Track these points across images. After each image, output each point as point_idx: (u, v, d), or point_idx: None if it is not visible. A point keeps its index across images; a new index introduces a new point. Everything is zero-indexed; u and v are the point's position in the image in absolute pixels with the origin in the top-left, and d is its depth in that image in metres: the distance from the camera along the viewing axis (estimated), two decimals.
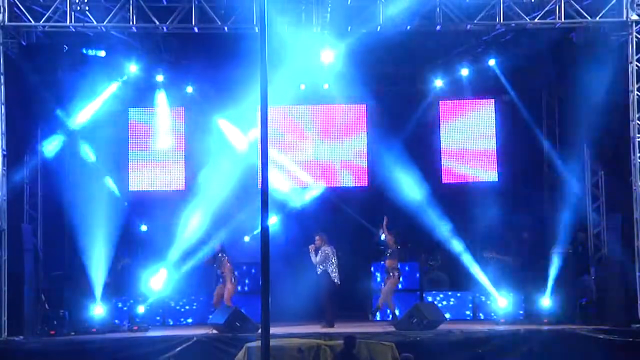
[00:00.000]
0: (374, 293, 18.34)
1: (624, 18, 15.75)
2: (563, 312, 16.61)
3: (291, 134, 19.89)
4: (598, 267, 17.34)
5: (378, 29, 16.14)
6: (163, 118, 19.66)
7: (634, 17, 15.74)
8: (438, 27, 16.05)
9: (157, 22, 15.80)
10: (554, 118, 18.76)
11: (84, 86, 17.83)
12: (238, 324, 15.46)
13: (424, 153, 19.57)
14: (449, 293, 18.48)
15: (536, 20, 15.93)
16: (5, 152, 15.66)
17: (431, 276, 19.05)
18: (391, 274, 17.30)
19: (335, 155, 19.87)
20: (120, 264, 18.08)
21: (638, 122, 15.79)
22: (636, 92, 15.79)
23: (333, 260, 16.73)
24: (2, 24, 15.52)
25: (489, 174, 19.66)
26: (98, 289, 16.97)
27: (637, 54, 15.84)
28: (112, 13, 15.68)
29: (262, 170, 9.79)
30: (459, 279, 18.89)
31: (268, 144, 9.85)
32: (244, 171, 18.94)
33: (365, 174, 19.83)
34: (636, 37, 15.82)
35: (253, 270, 18.55)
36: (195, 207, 18.89)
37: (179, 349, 15.02)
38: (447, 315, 17.31)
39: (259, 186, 10.14)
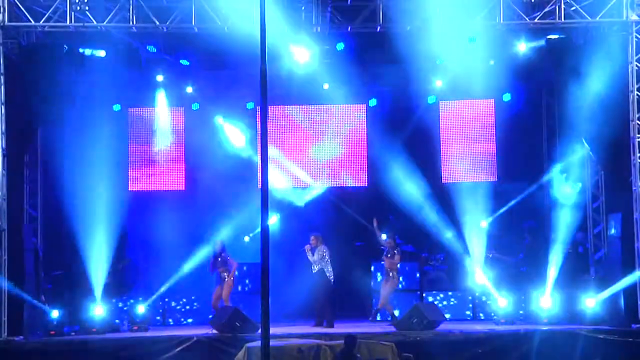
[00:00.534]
0: (374, 293, 18.34)
1: (624, 18, 15.76)
2: (563, 312, 16.61)
3: (291, 134, 19.88)
4: (598, 267, 17.35)
5: (378, 29, 16.14)
6: (163, 118, 19.66)
7: (634, 17, 15.76)
8: (438, 27, 16.04)
9: (157, 22, 15.80)
10: (554, 118, 18.76)
11: (84, 86, 17.83)
12: (238, 324, 15.46)
13: (424, 153, 19.57)
14: (449, 293, 18.47)
15: (536, 20, 15.94)
16: (5, 152, 15.66)
17: (431, 276, 19.04)
18: (390, 274, 17.31)
19: (335, 155, 19.86)
20: (121, 264, 18.08)
21: (638, 122, 15.81)
22: (636, 92, 15.80)
23: (328, 260, 16.75)
24: (2, 24, 15.54)
25: (489, 173, 19.65)
26: (98, 289, 16.97)
27: (637, 54, 15.86)
28: (112, 13, 15.70)
29: (262, 170, 9.79)
30: (459, 279, 18.90)
31: (268, 143, 9.84)
32: (244, 171, 18.94)
33: (365, 174, 19.82)
34: (636, 37, 15.83)
35: (253, 271, 18.53)
36: (195, 207, 18.90)
37: (179, 349, 15.03)
38: (447, 316, 17.30)
39: (259, 186, 10.15)
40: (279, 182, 19.28)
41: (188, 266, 18.20)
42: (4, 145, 15.63)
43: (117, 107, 19.29)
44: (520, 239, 18.64)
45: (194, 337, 15.22)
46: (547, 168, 18.87)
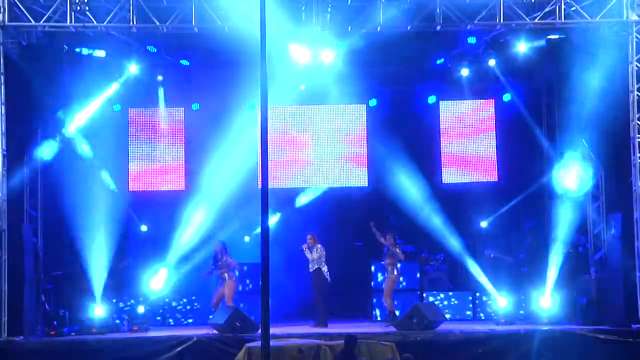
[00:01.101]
0: (374, 293, 18.33)
1: (624, 18, 15.76)
2: (563, 312, 16.61)
3: (291, 134, 19.88)
4: (598, 267, 17.35)
5: (378, 29, 16.14)
6: (163, 117, 19.65)
7: (634, 17, 15.76)
8: (438, 27, 16.05)
9: (157, 22, 15.80)
10: (554, 118, 18.77)
11: (84, 86, 17.84)
12: (238, 324, 15.47)
13: (424, 153, 19.57)
14: (450, 293, 18.47)
15: (536, 20, 15.94)
16: (5, 152, 15.66)
17: (431, 276, 19.05)
18: (389, 268, 17.28)
19: (335, 155, 19.86)
20: (121, 264, 18.08)
21: (638, 122, 15.80)
22: (636, 92, 15.80)
23: (324, 259, 16.77)
24: (2, 24, 15.54)
25: (489, 174, 19.65)
26: (98, 289, 16.97)
27: (637, 54, 15.86)
28: (112, 13, 15.69)
29: (262, 170, 9.79)
30: (459, 279, 18.90)
31: (268, 143, 9.84)
32: (244, 171, 18.94)
33: (365, 174, 19.82)
34: (636, 37, 15.83)
35: (253, 271, 18.53)
36: (195, 207, 18.90)
37: (179, 349, 15.04)
38: (447, 316, 17.30)
39: (259, 186, 10.15)
40: (279, 182, 19.27)
41: (188, 266, 18.21)
42: (4, 146, 15.62)
43: (117, 107, 19.30)
44: (520, 239, 18.64)
45: (194, 337, 15.22)
46: (547, 168, 18.87)
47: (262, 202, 9.57)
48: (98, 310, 16.78)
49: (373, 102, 19.88)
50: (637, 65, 15.83)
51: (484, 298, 18.15)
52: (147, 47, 17.85)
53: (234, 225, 18.59)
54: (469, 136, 19.74)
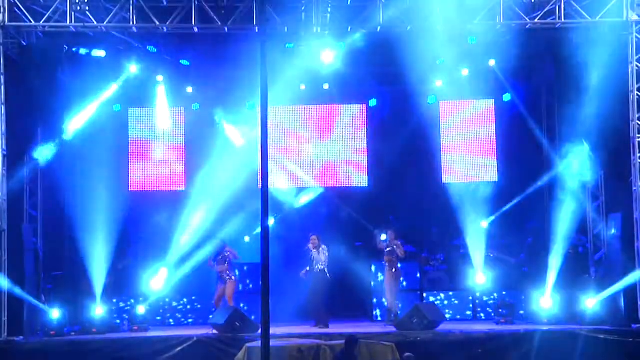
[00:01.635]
0: (374, 293, 18.33)
1: (624, 18, 15.75)
2: (563, 312, 16.60)
3: (291, 133, 19.88)
4: (598, 267, 17.34)
5: (378, 29, 16.14)
6: (163, 118, 19.64)
7: (634, 17, 15.75)
8: (438, 27, 16.04)
9: (157, 22, 15.80)
10: (554, 118, 18.76)
11: (84, 86, 17.84)
12: (238, 324, 15.46)
13: (424, 153, 19.59)
14: (450, 293, 18.46)
15: (536, 20, 15.93)
16: (5, 152, 15.66)
17: (431, 276, 19.05)
18: (387, 265, 17.22)
19: (335, 155, 19.87)
20: (121, 264, 18.07)
21: (638, 122, 15.80)
22: (636, 92, 15.80)
23: (327, 259, 16.79)
24: (2, 24, 15.53)
25: (489, 173, 19.66)
26: (98, 289, 16.97)
27: (637, 54, 15.85)
28: (112, 13, 15.68)
29: (262, 170, 9.78)
30: (459, 279, 18.89)
31: (268, 143, 9.84)
32: (244, 171, 18.95)
33: (365, 174, 19.83)
34: (636, 37, 15.82)
35: (253, 271, 18.53)
36: (195, 207, 18.90)
37: (179, 349, 15.03)
38: (447, 316, 17.29)
39: (259, 186, 10.14)
40: (279, 182, 19.28)
41: (188, 266, 18.21)
42: (4, 146, 15.62)
43: (117, 107, 19.31)
44: (521, 239, 18.63)
45: (194, 337, 15.21)
46: (547, 168, 18.88)
47: (262, 202, 9.56)
48: (98, 310, 16.78)
49: (373, 102, 19.90)
50: (637, 65, 15.82)
51: (486, 298, 18.14)
52: (147, 47, 17.85)
53: (234, 225, 18.58)
54: (468, 136, 19.75)
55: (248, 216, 18.20)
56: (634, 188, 15.88)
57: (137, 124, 19.79)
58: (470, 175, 19.66)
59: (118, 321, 17.23)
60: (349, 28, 16.38)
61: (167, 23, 15.85)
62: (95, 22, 15.70)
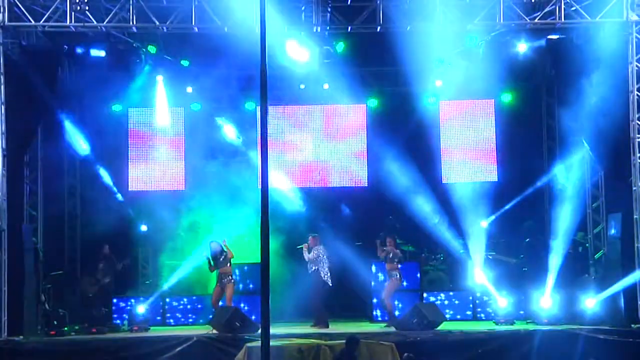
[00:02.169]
0: (374, 293, 18.32)
1: (624, 18, 15.76)
2: (563, 312, 16.60)
3: (291, 134, 19.88)
4: (598, 267, 17.34)
5: (378, 29, 16.14)
6: (163, 116, 19.64)
7: (634, 17, 15.76)
8: (438, 27, 16.05)
9: (157, 22, 15.81)
10: (554, 118, 18.77)
11: (84, 86, 17.84)
12: (238, 324, 15.46)
13: (424, 153, 19.57)
14: (450, 293, 18.45)
15: (536, 20, 15.94)
16: (5, 152, 15.66)
17: (431, 276, 19.04)
18: (391, 273, 17.26)
19: (335, 155, 19.86)
20: (121, 264, 18.07)
21: (638, 122, 15.80)
22: (636, 92, 15.80)
23: (325, 261, 16.74)
24: (2, 24, 15.54)
25: (489, 174, 19.66)
26: (98, 289, 16.95)
27: (637, 54, 15.85)
28: (112, 13, 15.69)
29: (262, 170, 9.78)
30: (459, 279, 18.88)
31: (268, 143, 9.84)
32: (244, 171, 18.95)
33: (365, 174, 19.83)
34: (636, 37, 15.83)
35: (253, 271, 18.51)
36: (195, 207, 18.91)
37: (178, 349, 15.03)
38: (447, 316, 17.28)
39: (259, 186, 10.14)
40: (279, 182, 19.27)
41: (188, 266, 18.21)
42: (4, 146, 15.62)
43: (117, 107, 19.31)
44: (520, 239, 18.62)
45: (194, 337, 15.22)
46: (547, 168, 18.88)
47: (262, 202, 9.55)
48: (99, 310, 16.78)
49: (373, 102, 19.89)
50: (637, 65, 15.83)
51: (486, 298, 18.13)
52: (147, 47, 17.85)
53: (234, 225, 18.57)
54: (468, 136, 19.74)
55: (248, 216, 18.19)
56: (634, 188, 15.88)
57: (137, 124, 19.77)
58: (470, 175, 19.64)
59: (118, 321, 17.23)
60: (349, 28, 16.38)
61: (167, 23, 15.86)
62: (95, 22, 15.71)
